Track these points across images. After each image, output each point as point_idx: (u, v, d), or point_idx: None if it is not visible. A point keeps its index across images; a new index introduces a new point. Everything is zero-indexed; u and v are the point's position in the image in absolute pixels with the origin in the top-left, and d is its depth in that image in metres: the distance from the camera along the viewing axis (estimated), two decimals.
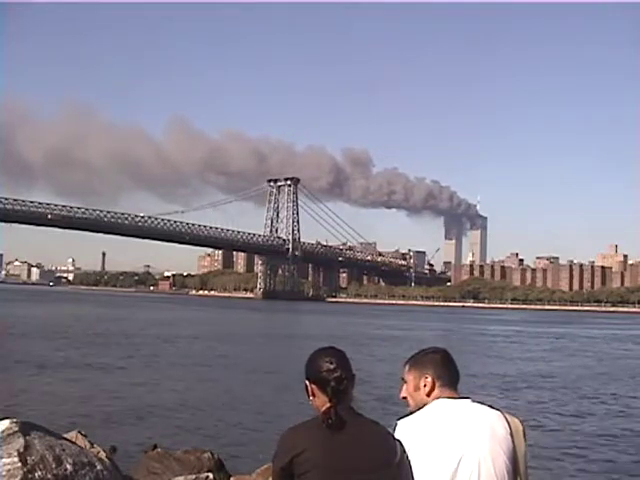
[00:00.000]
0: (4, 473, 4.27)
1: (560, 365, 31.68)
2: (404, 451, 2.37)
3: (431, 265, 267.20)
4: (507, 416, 2.59)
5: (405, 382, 2.68)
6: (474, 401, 2.60)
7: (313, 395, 2.39)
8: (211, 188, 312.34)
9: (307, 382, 2.40)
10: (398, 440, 2.38)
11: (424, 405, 2.59)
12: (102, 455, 6.28)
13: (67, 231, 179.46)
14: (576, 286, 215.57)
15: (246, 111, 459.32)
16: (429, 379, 2.62)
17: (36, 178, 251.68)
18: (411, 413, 2.60)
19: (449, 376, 2.64)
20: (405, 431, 2.49)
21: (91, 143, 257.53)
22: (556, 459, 12.83)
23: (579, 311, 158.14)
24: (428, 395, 2.62)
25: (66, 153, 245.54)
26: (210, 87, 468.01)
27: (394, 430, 2.48)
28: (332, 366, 2.36)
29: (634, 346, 47.52)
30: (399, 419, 2.56)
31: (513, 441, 2.54)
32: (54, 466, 4.53)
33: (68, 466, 4.62)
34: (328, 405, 2.33)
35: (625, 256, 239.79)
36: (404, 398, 2.68)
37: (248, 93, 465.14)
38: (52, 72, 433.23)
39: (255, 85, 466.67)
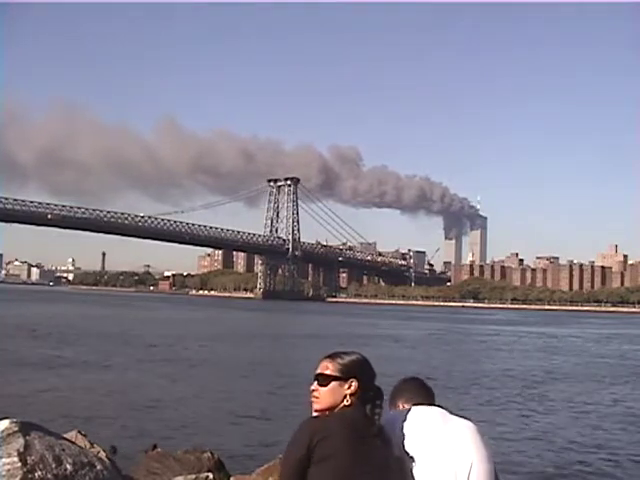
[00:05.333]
0: (4, 473, 4.27)
1: (556, 365, 31.71)
2: (408, 456, 2.46)
3: (431, 265, 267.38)
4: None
5: None
6: (452, 413, 2.63)
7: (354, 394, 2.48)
8: (202, 188, 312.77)
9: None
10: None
11: None
12: (102, 455, 6.28)
13: (67, 231, 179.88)
14: (576, 286, 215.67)
15: (235, 110, 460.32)
16: (400, 406, 2.70)
17: (27, 178, 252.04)
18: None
19: (420, 396, 2.69)
20: (407, 423, 2.53)
21: (82, 143, 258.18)
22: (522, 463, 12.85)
23: (579, 311, 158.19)
24: None
25: (57, 153, 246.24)
26: (200, 87, 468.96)
27: (402, 419, 2.55)
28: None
29: (633, 346, 47.53)
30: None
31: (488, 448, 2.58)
32: (54, 466, 4.53)
33: (68, 466, 4.61)
34: (368, 412, 2.45)
35: (625, 256, 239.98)
36: None
37: (238, 92, 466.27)
38: (44, 72, 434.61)
39: (245, 84, 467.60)
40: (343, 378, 2.45)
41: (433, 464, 2.45)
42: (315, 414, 2.45)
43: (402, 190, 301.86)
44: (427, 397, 2.70)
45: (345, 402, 2.44)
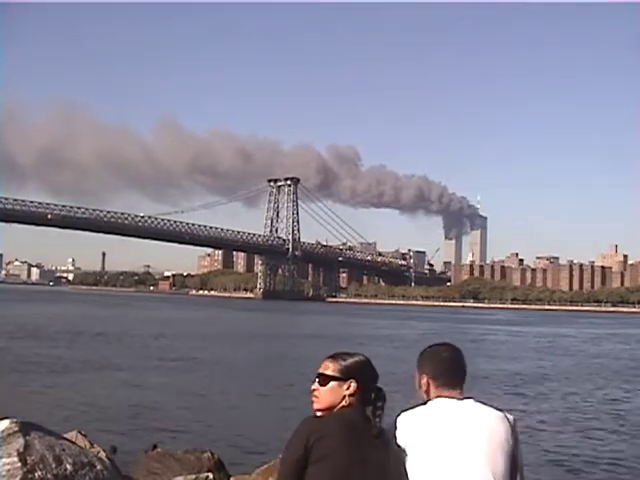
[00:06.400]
0: (4, 473, 4.27)
1: (552, 365, 31.72)
2: (405, 457, 2.45)
3: (431, 265, 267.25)
4: (509, 416, 2.56)
5: None
6: (477, 401, 2.57)
7: (354, 394, 2.49)
8: (201, 188, 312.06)
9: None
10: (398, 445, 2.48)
11: (427, 401, 2.61)
12: (102, 455, 6.28)
13: (67, 231, 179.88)
14: (576, 286, 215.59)
15: (234, 110, 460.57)
16: (425, 379, 2.63)
17: (27, 178, 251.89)
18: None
19: (449, 376, 2.61)
20: (404, 425, 2.51)
21: (81, 143, 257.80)
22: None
23: (579, 311, 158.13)
24: (427, 394, 2.62)
25: (56, 153, 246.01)
26: (199, 87, 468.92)
27: (396, 418, 2.54)
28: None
29: (629, 346, 47.53)
30: (403, 411, 2.58)
31: (515, 442, 2.51)
32: (54, 466, 4.53)
33: (68, 466, 4.62)
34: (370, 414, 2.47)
35: (625, 256, 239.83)
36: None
37: (236, 92, 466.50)
38: (43, 72, 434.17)
39: (244, 84, 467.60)
40: (342, 378, 2.48)
41: (431, 473, 2.43)
42: (319, 413, 2.47)
43: (400, 190, 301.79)
44: (453, 378, 2.62)
45: (344, 402, 2.46)
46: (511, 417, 2.56)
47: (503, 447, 2.46)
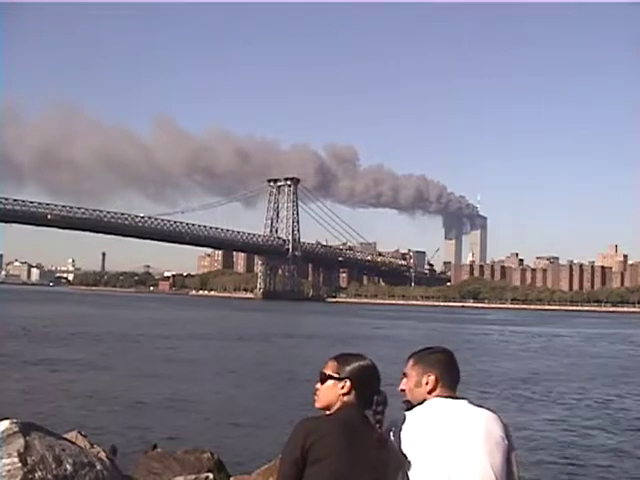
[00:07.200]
0: (4, 473, 4.28)
1: (548, 365, 31.73)
2: (406, 458, 2.46)
3: (431, 265, 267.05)
4: (502, 418, 2.59)
5: (406, 376, 2.69)
6: (471, 402, 2.60)
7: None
8: (200, 189, 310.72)
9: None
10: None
11: (423, 401, 2.61)
12: (102, 455, 6.28)
13: (67, 231, 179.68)
14: (576, 286, 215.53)
15: (233, 110, 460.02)
16: (432, 378, 2.64)
17: (26, 178, 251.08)
18: (412, 406, 2.61)
19: (451, 378, 2.67)
20: (406, 426, 2.52)
21: (80, 143, 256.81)
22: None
23: (579, 311, 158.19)
24: (429, 393, 2.63)
25: (55, 153, 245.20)
26: (197, 86, 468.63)
27: (402, 421, 2.54)
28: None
29: (626, 346, 47.52)
30: (406, 410, 2.59)
31: (509, 443, 2.55)
32: (54, 466, 4.54)
33: (68, 466, 4.62)
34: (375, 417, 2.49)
35: (625, 256, 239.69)
36: (402, 391, 2.69)
37: (233, 92, 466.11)
38: (42, 72, 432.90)
39: (242, 84, 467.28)
40: (338, 378, 2.53)
41: (433, 471, 2.44)
42: (327, 412, 2.52)
43: (399, 190, 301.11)
44: (454, 381, 2.67)
45: (339, 402, 2.51)
46: (504, 420, 2.60)
47: (499, 445, 2.50)
